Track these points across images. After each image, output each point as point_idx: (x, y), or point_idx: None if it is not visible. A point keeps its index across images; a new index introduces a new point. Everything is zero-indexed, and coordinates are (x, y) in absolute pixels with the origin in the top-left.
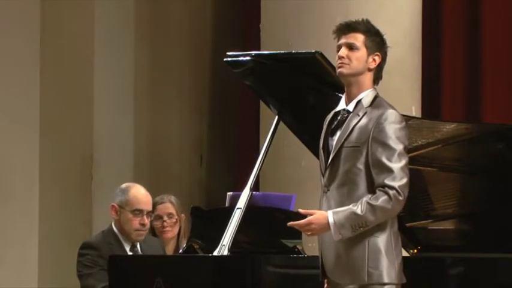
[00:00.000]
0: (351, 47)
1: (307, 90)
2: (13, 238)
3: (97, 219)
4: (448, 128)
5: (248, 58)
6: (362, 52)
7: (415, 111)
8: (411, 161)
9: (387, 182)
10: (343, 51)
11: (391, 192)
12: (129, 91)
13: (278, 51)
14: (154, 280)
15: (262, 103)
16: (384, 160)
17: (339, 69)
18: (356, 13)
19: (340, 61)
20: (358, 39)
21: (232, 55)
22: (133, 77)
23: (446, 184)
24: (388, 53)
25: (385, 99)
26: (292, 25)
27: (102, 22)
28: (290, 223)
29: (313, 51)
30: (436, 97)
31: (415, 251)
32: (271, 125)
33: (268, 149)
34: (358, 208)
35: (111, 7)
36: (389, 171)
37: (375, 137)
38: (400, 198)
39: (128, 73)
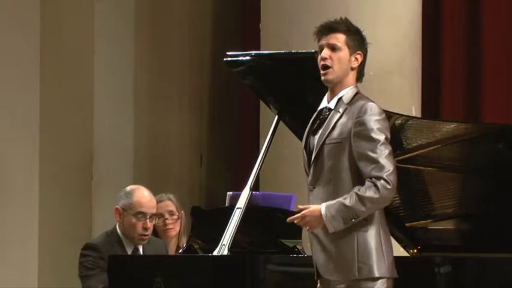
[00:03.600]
0: (333, 48)
1: (306, 90)
2: (13, 238)
3: (97, 219)
4: (448, 128)
5: (248, 58)
6: (344, 52)
7: (415, 111)
8: (411, 161)
9: (374, 173)
10: (326, 52)
11: (378, 182)
12: (129, 91)
13: (278, 51)
14: (154, 280)
15: (262, 103)
16: (368, 152)
17: (323, 78)
18: (356, 13)
19: (323, 62)
20: (340, 39)
21: (232, 55)
22: (133, 77)
23: (446, 184)
24: (388, 53)
25: (385, 99)
26: (292, 25)
27: (102, 20)
28: (289, 218)
29: (313, 51)
30: (436, 97)
31: (415, 251)
32: (271, 125)
33: (268, 149)
34: (347, 200)
35: (111, 5)
36: (375, 162)
37: (356, 131)
38: (389, 186)
39: (128, 73)
